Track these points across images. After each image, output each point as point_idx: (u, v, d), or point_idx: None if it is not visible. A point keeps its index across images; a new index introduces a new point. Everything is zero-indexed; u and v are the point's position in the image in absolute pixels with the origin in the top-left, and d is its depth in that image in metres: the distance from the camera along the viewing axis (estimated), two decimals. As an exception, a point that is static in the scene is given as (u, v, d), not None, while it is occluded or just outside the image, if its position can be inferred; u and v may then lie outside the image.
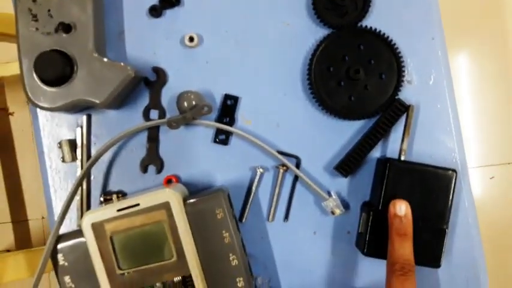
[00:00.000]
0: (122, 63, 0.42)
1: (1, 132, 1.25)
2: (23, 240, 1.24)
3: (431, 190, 0.42)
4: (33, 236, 1.25)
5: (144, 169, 0.46)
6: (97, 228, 0.41)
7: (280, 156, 0.44)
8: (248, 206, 0.46)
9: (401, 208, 0.41)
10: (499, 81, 1.29)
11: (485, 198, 1.29)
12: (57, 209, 0.46)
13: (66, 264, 0.42)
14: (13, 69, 1.13)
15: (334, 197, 0.45)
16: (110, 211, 0.41)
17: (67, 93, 0.42)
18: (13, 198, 1.25)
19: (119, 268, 0.41)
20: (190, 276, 0.41)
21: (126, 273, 0.41)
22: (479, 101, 1.29)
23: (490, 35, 1.29)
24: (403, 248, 0.40)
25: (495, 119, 1.28)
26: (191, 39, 0.45)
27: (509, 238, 1.29)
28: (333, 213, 0.45)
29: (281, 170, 0.45)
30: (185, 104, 0.44)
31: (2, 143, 1.26)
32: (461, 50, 1.28)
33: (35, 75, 0.42)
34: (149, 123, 0.45)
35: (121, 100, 0.45)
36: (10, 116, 1.25)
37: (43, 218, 1.26)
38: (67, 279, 0.42)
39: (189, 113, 0.43)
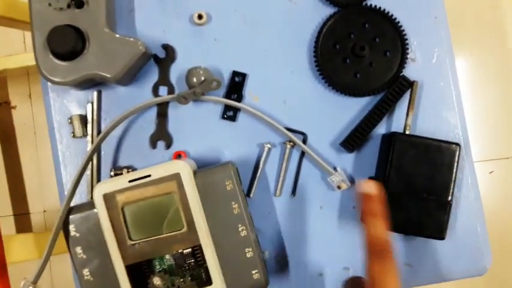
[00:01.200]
0: (133, 39, 0.43)
1: (3, 126, 1.26)
2: (24, 233, 1.24)
3: (435, 163, 0.43)
4: (35, 229, 1.25)
5: (153, 145, 0.47)
6: (108, 199, 0.41)
7: (287, 132, 0.45)
8: (256, 182, 0.47)
9: (371, 187, 0.39)
10: (499, 76, 1.30)
11: (485, 192, 1.30)
12: (68, 185, 0.47)
13: (77, 235, 0.42)
14: (16, 62, 1.13)
15: (340, 171, 0.45)
16: (121, 182, 0.41)
17: (79, 68, 0.43)
18: (15, 192, 1.25)
19: (130, 239, 0.42)
20: (199, 247, 0.42)
21: (136, 244, 0.42)
22: (478, 95, 1.30)
23: (490, 30, 1.31)
24: (375, 227, 0.37)
25: (494, 113, 1.30)
26: (200, 16, 0.46)
27: (509, 232, 1.30)
28: (339, 187, 0.45)
29: (288, 146, 0.46)
30: (194, 79, 0.45)
31: (4, 136, 1.26)
32: (462, 45, 1.30)
33: (48, 50, 0.43)
34: (159, 99, 0.45)
35: (131, 76, 0.46)
36: (12, 110, 1.26)
37: (45, 211, 1.26)
38: (78, 249, 0.43)
39: (198, 88, 0.44)
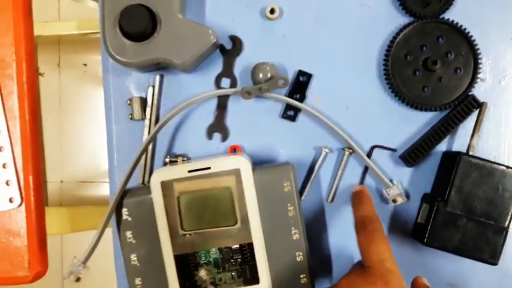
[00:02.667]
0: (205, 27, 0.42)
1: (29, 92, 1.25)
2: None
3: (497, 188, 0.43)
4: (50, 198, 1.25)
5: (210, 136, 0.46)
6: (166, 186, 0.41)
7: (349, 140, 0.44)
8: (309, 185, 0.46)
9: (360, 187, 0.45)
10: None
11: None
12: (119, 165, 0.46)
13: (129, 219, 0.42)
14: (49, 29, 1.12)
15: (397, 185, 0.45)
16: (180, 171, 0.41)
17: (147, 50, 0.42)
18: (34, 159, 1.25)
19: (182, 229, 0.41)
20: (248, 244, 0.41)
21: (188, 235, 0.41)
22: None
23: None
24: (362, 209, 0.41)
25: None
26: (272, 11, 0.45)
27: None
28: (394, 201, 0.45)
29: (346, 153, 0.45)
30: (260, 75, 0.44)
31: (28, 102, 1.26)
32: None
33: (117, 28, 0.42)
34: (223, 91, 0.45)
35: (196, 64, 0.45)
36: (40, 77, 1.25)
37: (62, 181, 1.26)
38: (128, 234, 0.42)
39: (265, 85, 0.43)
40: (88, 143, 1.25)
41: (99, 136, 1.25)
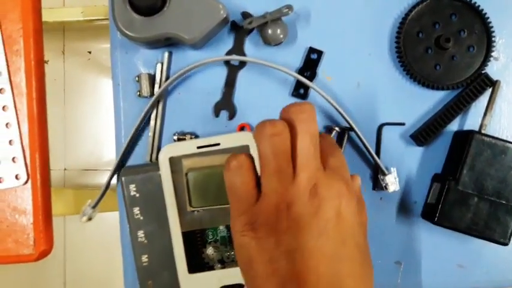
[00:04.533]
0: (215, 2, 0.42)
1: (33, 79, 1.25)
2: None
3: (510, 167, 0.42)
4: (54, 185, 1.25)
5: (217, 113, 0.46)
6: (174, 162, 0.40)
7: (350, 121, 0.43)
8: (318, 163, 0.45)
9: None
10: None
11: None
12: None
13: (137, 195, 0.42)
14: (54, 15, 1.11)
15: (393, 173, 0.44)
16: (189, 147, 0.40)
17: (157, 25, 0.42)
18: (38, 146, 1.25)
19: (190, 205, 0.41)
20: (258, 223, 0.41)
21: (196, 211, 0.41)
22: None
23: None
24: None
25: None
26: (283, -13, 0.44)
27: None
28: (386, 188, 0.44)
29: (346, 133, 0.45)
30: (269, 31, 0.43)
31: (32, 90, 1.25)
32: None
33: (126, 2, 0.41)
34: (222, 58, 0.44)
35: (206, 40, 0.44)
36: (44, 64, 1.24)
37: (65, 169, 1.26)
38: (136, 210, 0.42)
39: (268, 14, 0.42)
40: (92, 131, 1.25)
41: (103, 124, 1.24)
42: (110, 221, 1.14)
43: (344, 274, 0.29)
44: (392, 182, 0.44)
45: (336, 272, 0.29)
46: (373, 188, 0.46)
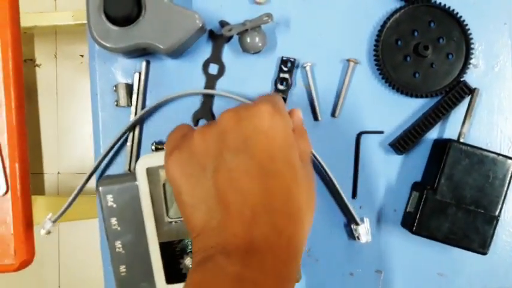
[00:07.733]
0: (191, 11, 0.42)
1: (25, 83, 1.25)
2: (36, 192, 1.25)
3: (488, 176, 0.42)
4: (47, 189, 1.25)
5: (196, 122, 0.46)
6: (151, 173, 0.40)
7: (326, 167, 0.43)
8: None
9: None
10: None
11: None
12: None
13: (114, 206, 0.42)
14: (46, 19, 1.11)
15: (365, 224, 0.44)
16: (165, 158, 0.40)
17: (132, 35, 0.41)
18: (31, 150, 1.25)
19: (168, 216, 0.41)
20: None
21: (173, 222, 0.41)
22: None
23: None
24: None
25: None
26: (260, -5, 0.44)
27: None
28: (358, 238, 0.44)
29: (351, 64, 0.45)
30: (248, 39, 0.43)
31: (25, 93, 1.25)
32: None
33: (102, 12, 0.41)
34: (210, 91, 0.44)
35: (183, 49, 0.44)
36: (36, 68, 1.25)
37: (59, 173, 1.26)
38: (113, 221, 0.42)
39: (248, 22, 0.42)
40: (85, 134, 1.25)
41: (96, 127, 1.24)
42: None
43: (274, 188, 0.28)
44: (364, 234, 0.43)
45: (265, 187, 0.28)
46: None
